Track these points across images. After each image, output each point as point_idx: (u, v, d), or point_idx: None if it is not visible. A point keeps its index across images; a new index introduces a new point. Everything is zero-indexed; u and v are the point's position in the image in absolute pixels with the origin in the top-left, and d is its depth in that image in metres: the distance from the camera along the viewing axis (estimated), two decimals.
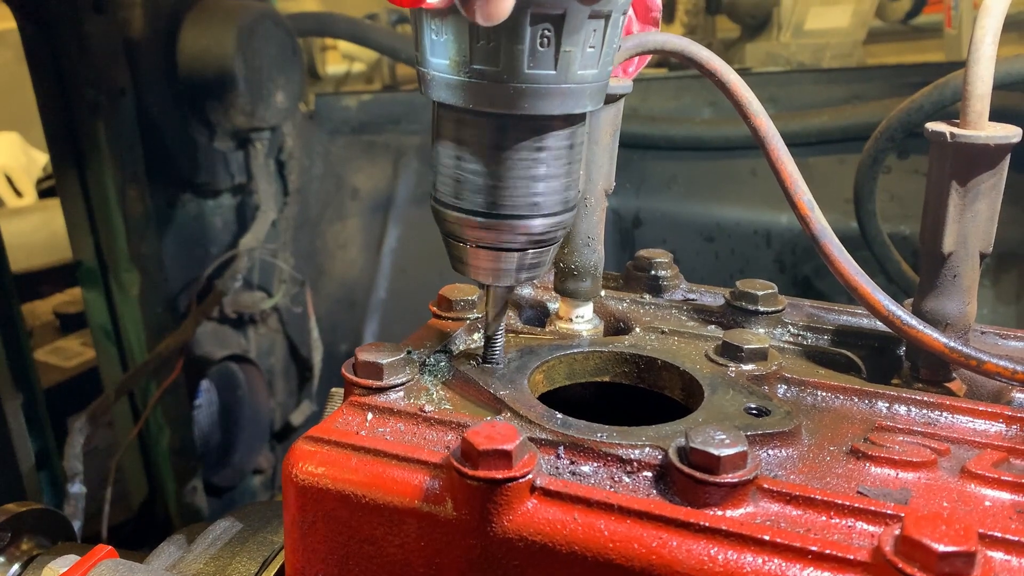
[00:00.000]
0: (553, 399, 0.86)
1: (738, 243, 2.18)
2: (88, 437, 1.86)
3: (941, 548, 0.54)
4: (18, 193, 4.44)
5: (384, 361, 0.77)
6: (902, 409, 0.79)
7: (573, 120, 0.73)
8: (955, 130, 0.78)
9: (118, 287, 1.88)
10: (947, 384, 0.85)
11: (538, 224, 0.73)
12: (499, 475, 0.63)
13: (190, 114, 2.04)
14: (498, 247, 0.74)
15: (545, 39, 0.65)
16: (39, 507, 1.00)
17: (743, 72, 2.58)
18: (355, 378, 0.78)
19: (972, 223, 0.79)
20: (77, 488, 1.72)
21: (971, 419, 0.77)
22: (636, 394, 0.90)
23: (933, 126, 0.80)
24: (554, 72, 0.67)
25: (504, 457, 0.63)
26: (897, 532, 0.56)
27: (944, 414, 0.77)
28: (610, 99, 0.87)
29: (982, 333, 0.94)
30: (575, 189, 0.76)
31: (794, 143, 2.16)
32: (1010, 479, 0.67)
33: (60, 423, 2.04)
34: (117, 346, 1.96)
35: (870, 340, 0.93)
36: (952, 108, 1.48)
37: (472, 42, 0.65)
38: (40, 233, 2.94)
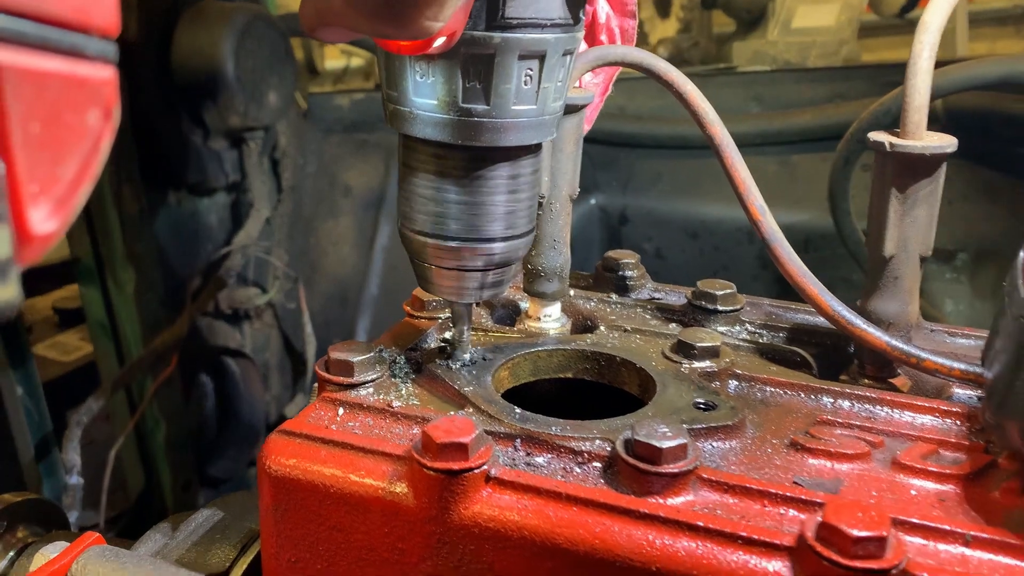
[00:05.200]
0: (524, 394, 0.91)
1: (721, 240, 2.22)
2: (86, 430, 1.91)
3: (855, 533, 0.58)
4: None
5: (355, 359, 0.82)
6: (845, 404, 0.83)
7: (539, 148, 0.78)
8: (894, 140, 0.82)
9: (114, 284, 1.93)
10: (892, 380, 0.90)
11: (499, 247, 0.79)
12: (456, 466, 0.68)
13: (184, 115, 2.08)
14: (461, 268, 0.79)
15: (528, 77, 0.71)
16: (34, 497, 1.04)
17: (728, 71, 2.62)
18: (327, 375, 0.82)
19: (912, 228, 0.84)
20: (75, 480, 1.77)
21: (909, 413, 0.81)
22: (600, 390, 0.94)
23: (874, 135, 0.84)
24: (534, 107, 0.73)
25: (461, 449, 0.68)
26: (819, 519, 0.61)
27: (884, 408, 0.82)
28: (573, 109, 0.92)
29: (932, 331, 0.99)
30: (533, 212, 0.81)
31: (778, 141, 2.22)
32: (935, 469, 0.72)
33: (59, 416, 2.08)
34: (114, 341, 2.01)
35: (823, 338, 0.97)
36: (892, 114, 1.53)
37: (463, 83, 0.70)
38: None
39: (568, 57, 0.73)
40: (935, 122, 2.01)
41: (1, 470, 1.98)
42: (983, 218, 1.97)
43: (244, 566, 0.79)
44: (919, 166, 0.82)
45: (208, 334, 2.28)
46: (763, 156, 2.20)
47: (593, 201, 2.39)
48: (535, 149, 0.78)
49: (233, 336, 2.36)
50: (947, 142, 0.81)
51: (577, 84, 0.96)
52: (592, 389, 0.95)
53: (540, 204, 0.94)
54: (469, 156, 0.74)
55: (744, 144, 2.33)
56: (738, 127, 2.16)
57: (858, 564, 0.58)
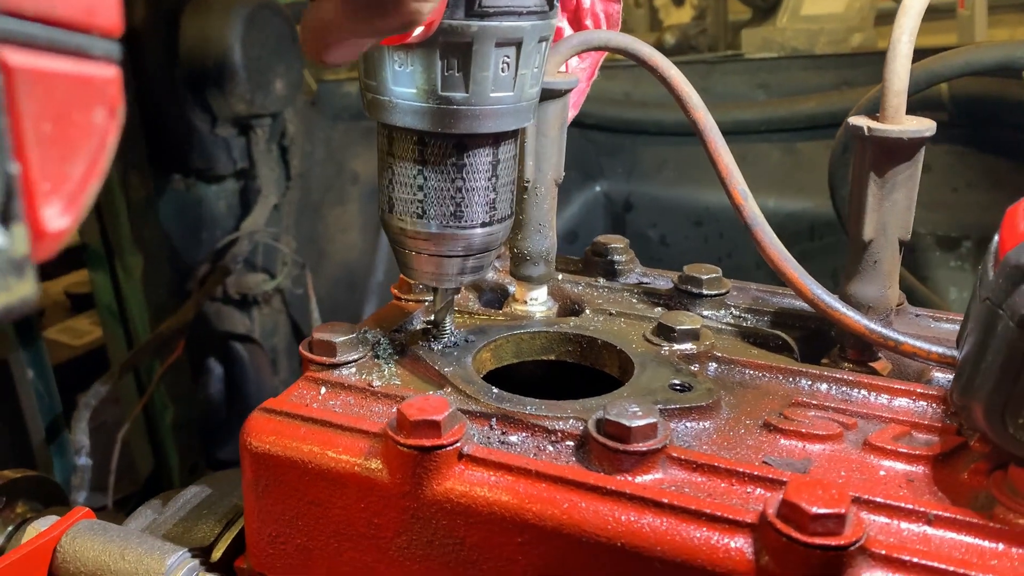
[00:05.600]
0: (511, 376, 0.92)
1: (726, 227, 2.22)
2: (97, 413, 1.94)
3: (814, 510, 0.59)
4: None
5: (337, 340, 0.84)
6: (823, 387, 0.84)
7: (518, 134, 0.80)
8: (872, 124, 0.82)
9: (122, 269, 1.96)
10: (872, 364, 0.90)
11: (478, 233, 0.80)
12: (428, 443, 0.69)
13: (192, 102, 2.10)
14: (440, 255, 0.80)
15: (505, 65, 0.72)
16: (33, 474, 1.07)
17: (735, 58, 2.61)
18: (310, 355, 0.84)
19: (890, 212, 0.84)
20: (83, 460, 1.81)
21: (885, 396, 0.82)
22: (585, 372, 0.95)
23: (853, 120, 0.84)
24: (512, 93, 0.74)
25: (433, 427, 0.70)
26: (780, 496, 0.62)
27: (860, 391, 0.82)
28: (556, 94, 0.92)
29: (916, 315, 0.99)
30: (512, 197, 0.82)
31: (783, 128, 2.21)
32: (905, 451, 0.72)
33: (71, 399, 2.12)
34: (123, 326, 2.04)
35: (807, 323, 0.98)
36: (915, 97, 1.52)
37: (442, 71, 0.71)
38: None
39: (544, 44, 0.75)
40: (940, 109, 2.00)
41: (13, 451, 2.01)
42: (988, 206, 1.96)
43: (228, 540, 0.81)
44: (897, 150, 0.82)
45: (217, 319, 2.31)
46: (768, 143, 2.19)
47: (598, 188, 2.40)
48: (514, 135, 0.79)
49: (242, 321, 2.39)
50: (925, 126, 0.82)
51: (563, 69, 0.96)
52: (578, 371, 0.96)
53: (525, 189, 0.95)
54: (448, 143, 0.76)
55: (748, 131, 2.32)
56: (743, 114, 2.16)
57: (816, 540, 0.59)
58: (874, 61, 2.23)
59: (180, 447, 2.13)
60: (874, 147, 0.83)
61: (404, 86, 0.73)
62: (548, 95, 0.91)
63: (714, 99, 2.31)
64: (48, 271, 2.57)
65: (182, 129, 2.09)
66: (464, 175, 0.77)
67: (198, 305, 2.08)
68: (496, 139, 0.77)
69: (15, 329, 1.90)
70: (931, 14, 0.76)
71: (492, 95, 0.73)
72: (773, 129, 2.19)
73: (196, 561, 0.78)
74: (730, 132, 2.25)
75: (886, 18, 4.72)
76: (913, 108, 2.14)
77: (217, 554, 0.80)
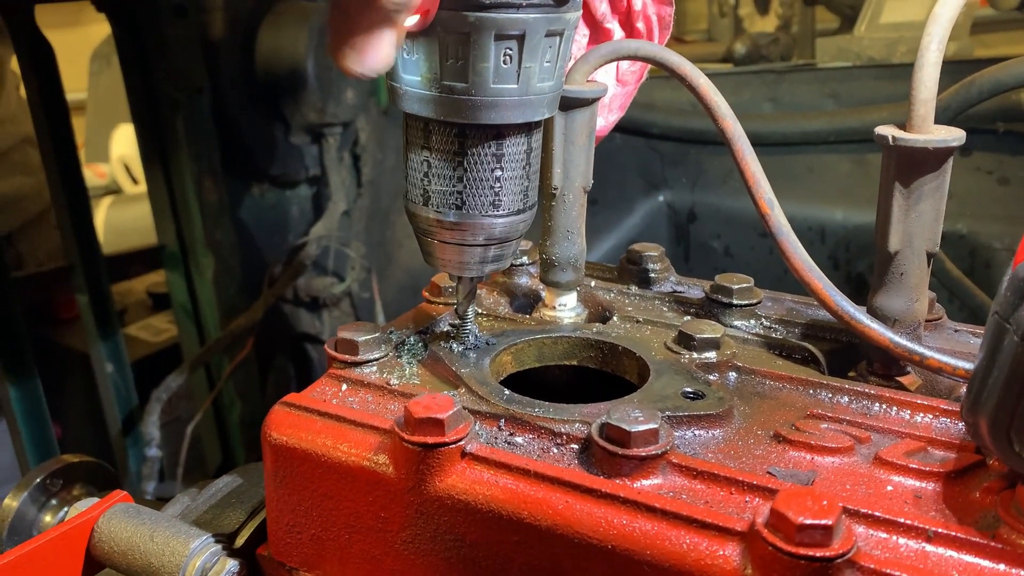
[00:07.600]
0: (536, 380, 0.94)
1: None
2: (172, 408, 2.03)
3: (800, 520, 0.58)
4: (135, 180, 4.78)
5: (360, 339, 0.86)
6: (843, 399, 0.83)
7: (530, 127, 0.80)
8: (897, 133, 0.81)
9: (195, 269, 2.05)
10: (899, 379, 0.88)
11: (498, 223, 0.81)
12: (431, 440, 0.71)
13: (267, 110, 2.18)
14: (462, 244, 0.82)
15: (508, 57, 0.73)
16: (91, 460, 1.13)
17: (806, 67, 2.56)
18: (334, 353, 0.87)
19: (917, 223, 0.82)
20: (153, 452, 1.89)
21: (906, 411, 0.80)
22: (612, 378, 0.96)
23: (879, 129, 0.83)
24: (516, 86, 0.75)
25: (437, 425, 0.71)
26: (770, 506, 0.62)
27: (880, 405, 0.81)
28: (585, 103, 0.93)
29: (955, 331, 0.96)
30: (533, 190, 0.84)
31: (853, 139, 2.16)
32: (916, 466, 0.71)
33: (148, 393, 2.22)
34: (195, 324, 2.13)
35: (838, 335, 0.96)
36: (980, 108, 1.47)
37: (442, 61, 0.73)
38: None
39: (556, 38, 0.75)
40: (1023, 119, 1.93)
41: (90, 442, 2.12)
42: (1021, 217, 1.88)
43: (252, 528, 0.84)
44: (924, 160, 0.80)
45: (288, 320, 2.39)
46: (838, 154, 2.15)
47: (662, 198, 2.38)
48: (524, 129, 0.79)
49: (312, 323, 2.47)
50: (953, 136, 0.80)
51: (614, 76, 0.97)
52: (605, 378, 0.97)
53: (553, 195, 0.96)
54: (457, 133, 0.77)
55: (818, 141, 2.28)
56: (811, 124, 2.12)
57: (801, 551, 0.58)
58: (951, 70, 2.16)
59: (246, 441, 2.21)
60: (899, 157, 0.81)
61: (411, 74, 0.75)
62: (576, 103, 0.92)
63: (782, 108, 2.27)
64: (131, 271, 2.70)
65: (257, 137, 2.17)
66: (477, 165, 0.78)
67: (267, 305, 2.15)
68: (506, 131, 0.78)
69: (96, 325, 2.00)
70: None
71: (493, 87, 0.74)
72: (843, 140, 2.14)
73: (219, 546, 0.82)
74: (798, 142, 2.22)
75: (984, 26, 4.54)
76: (993, 117, 2.08)
77: (240, 541, 0.84)
